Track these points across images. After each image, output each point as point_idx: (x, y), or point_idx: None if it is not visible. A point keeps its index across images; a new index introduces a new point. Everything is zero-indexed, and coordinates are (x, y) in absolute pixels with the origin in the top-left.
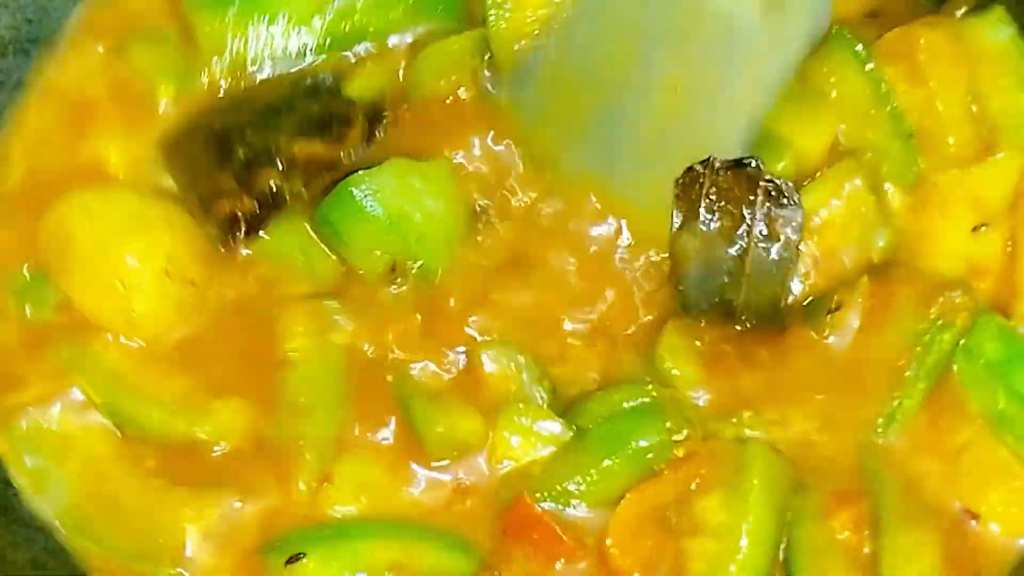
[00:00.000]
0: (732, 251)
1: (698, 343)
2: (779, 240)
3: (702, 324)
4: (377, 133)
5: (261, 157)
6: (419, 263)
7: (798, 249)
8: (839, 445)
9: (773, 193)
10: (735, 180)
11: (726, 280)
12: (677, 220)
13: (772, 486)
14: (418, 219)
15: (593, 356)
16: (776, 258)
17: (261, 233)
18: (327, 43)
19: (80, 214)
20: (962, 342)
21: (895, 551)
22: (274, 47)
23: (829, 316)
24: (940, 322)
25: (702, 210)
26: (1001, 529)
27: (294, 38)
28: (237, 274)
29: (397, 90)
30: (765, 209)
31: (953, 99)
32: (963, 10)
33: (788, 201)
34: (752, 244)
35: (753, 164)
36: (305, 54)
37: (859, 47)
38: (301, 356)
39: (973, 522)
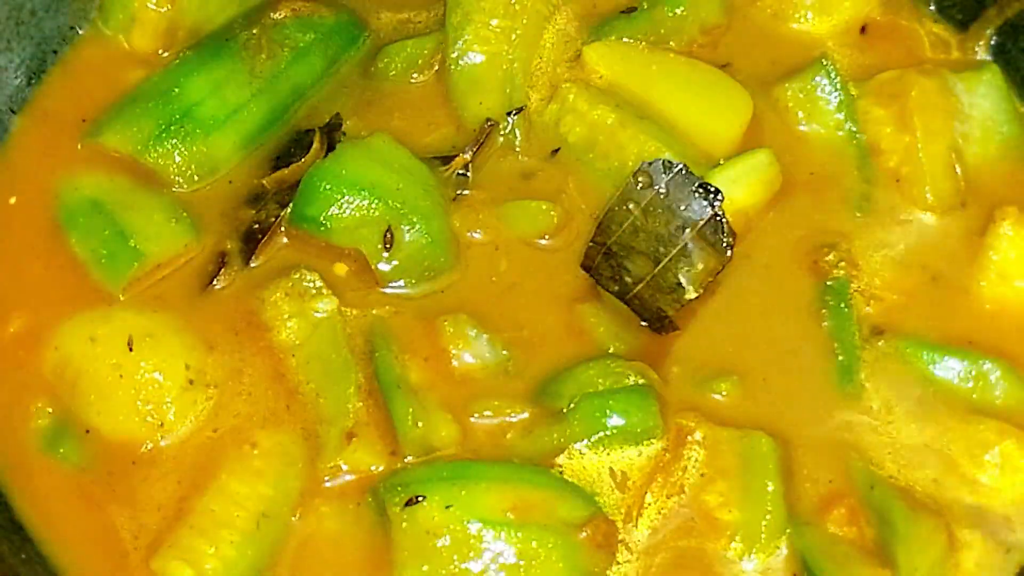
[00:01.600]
0: (663, 237)
1: None
2: (694, 267)
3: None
4: (338, 139)
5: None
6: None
7: (699, 289)
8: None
9: (713, 228)
10: (691, 194)
11: (636, 260)
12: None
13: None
14: (385, 180)
15: None
16: (682, 278)
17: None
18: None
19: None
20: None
21: (909, 540)
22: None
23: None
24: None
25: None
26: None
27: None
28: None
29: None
30: (700, 236)
31: (936, 152)
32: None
33: (723, 243)
34: (676, 249)
35: (717, 195)
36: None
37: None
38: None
39: None
